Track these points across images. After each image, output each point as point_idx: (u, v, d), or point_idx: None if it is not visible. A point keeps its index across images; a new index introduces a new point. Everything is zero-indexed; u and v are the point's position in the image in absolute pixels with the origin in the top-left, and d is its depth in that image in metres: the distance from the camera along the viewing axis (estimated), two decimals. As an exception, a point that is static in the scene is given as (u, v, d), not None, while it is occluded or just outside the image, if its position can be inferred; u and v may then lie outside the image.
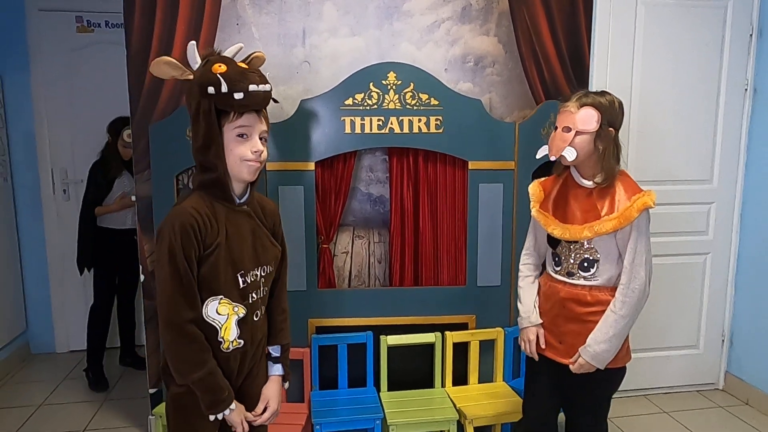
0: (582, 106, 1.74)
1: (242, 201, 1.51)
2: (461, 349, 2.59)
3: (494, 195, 2.55)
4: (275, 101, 1.54)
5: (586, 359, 1.78)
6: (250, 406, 1.58)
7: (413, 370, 2.61)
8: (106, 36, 3.60)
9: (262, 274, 1.55)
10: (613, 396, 3.09)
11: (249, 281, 1.51)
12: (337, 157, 2.54)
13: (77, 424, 2.87)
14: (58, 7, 3.56)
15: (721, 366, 3.22)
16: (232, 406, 1.47)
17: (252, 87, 1.40)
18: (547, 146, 1.83)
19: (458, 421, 2.36)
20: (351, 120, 2.46)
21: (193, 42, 1.48)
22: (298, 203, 2.48)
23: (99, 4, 3.58)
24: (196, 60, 1.45)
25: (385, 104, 2.46)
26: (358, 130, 2.47)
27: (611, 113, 1.76)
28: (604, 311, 1.78)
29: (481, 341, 2.59)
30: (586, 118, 1.73)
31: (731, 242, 3.12)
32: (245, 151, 1.44)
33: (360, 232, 2.74)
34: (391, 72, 2.46)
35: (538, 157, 1.87)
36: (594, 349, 1.76)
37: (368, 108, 2.46)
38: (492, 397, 2.48)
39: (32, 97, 3.59)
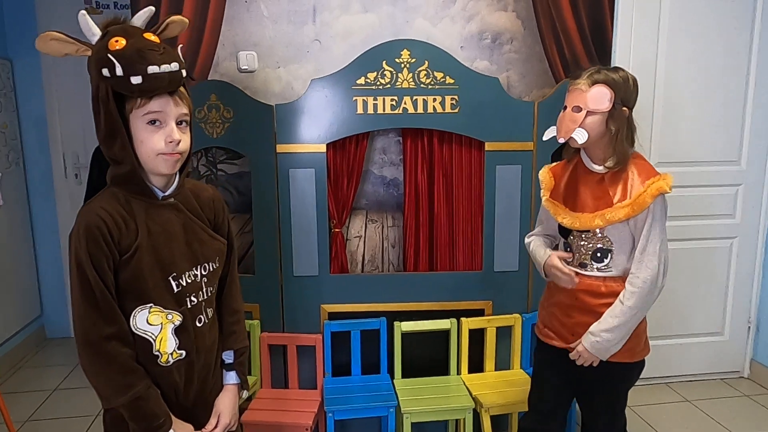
0: (593, 83, 1.61)
1: (167, 194, 1.31)
2: (477, 336, 2.52)
3: (512, 177, 2.45)
4: (191, 79, 1.36)
5: (586, 346, 1.68)
6: (205, 422, 1.43)
7: (428, 357, 2.55)
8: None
9: (203, 273, 1.36)
10: (635, 384, 3.03)
11: (185, 283, 1.31)
12: (349, 138, 2.46)
13: (93, 408, 2.86)
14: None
15: (746, 353, 3.12)
16: None
17: (152, 69, 1.17)
18: (554, 127, 1.70)
19: (474, 410, 2.30)
20: (363, 100, 2.38)
21: (84, 11, 1.21)
22: (309, 186, 2.41)
23: (107, -15, 3.53)
24: (92, 32, 1.21)
25: (398, 83, 2.38)
26: (370, 110, 2.39)
27: (625, 91, 1.63)
28: None
29: (497, 328, 2.52)
30: (598, 97, 1.61)
31: (759, 226, 3.00)
32: (158, 143, 1.22)
33: (373, 216, 2.67)
34: (405, 50, 2.37)
35: (545, 139, 1.75)
36: (595, 338, 1.66)
37: (381, 87, 2.38)
38: (509, 385, 2.41)
39: (43, 81, 3.57)
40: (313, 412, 2.28)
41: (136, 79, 1.17)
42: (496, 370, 2.54)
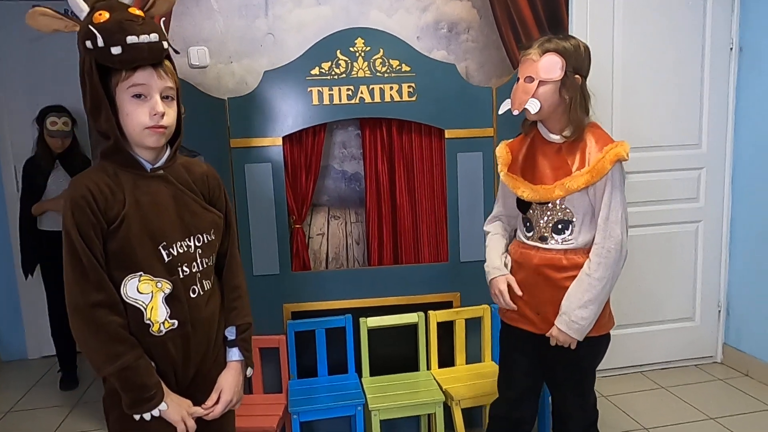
0: (544, 52, 1.58)
1: (157, 166, 1.32)
2: (447, 329, 2.45)
3: (473, 164, 2.41)
4: (176, 52, 1.35)
5: (562, 328, 1.62)
6: (205, 399, 1.39)
7: (397, 354, 2.46)
8: (65, 25, 3.46)
9: (197, 244, 1.36)
10: (609, 374, 2.98)
11: (176, 253, 1.32)
12: (306, 131, 2.40)
13: (45, 429, 2.71)
14: (14, -5, 3.41)
15: (718, 338, 3.11)
16: (162, 406, 1.27)
17: (131, 39, 1.19)
18: (509, 100, 1.67)
19: (445, 404, 2.22)
20: (318, 90, 2.32)
21: None
22: (265, 181, 2.33)
23: (57, -8, 3.43)
24: (80, 8, 1.24)
25: (353, 72, 2.33)
26: (326, 101, 2.33)
27: (577, 58, 1.60)
28: None
29: (466, 320, 2.46)
30: (549, 66, 1.57)
31: (723, 208, 3.01)
32: (143, 117, 1.24)
33: (336, 212, 2.60)
34: (359, 38, 2.32)
35: (500, 112, 1.72)
36: (569, 317, 1.61)
37: (336, 77, 2.32)
38: (480, 377, 2.34)
39: (-7, 95, 3.44)
40: (278, 416, 2.18)
41: (116, 50, 1.19)
42: (467, 363, 2.47)
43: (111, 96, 1.24)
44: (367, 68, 2.33)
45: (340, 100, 2.33)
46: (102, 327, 1.23)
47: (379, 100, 2.35)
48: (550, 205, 1.66)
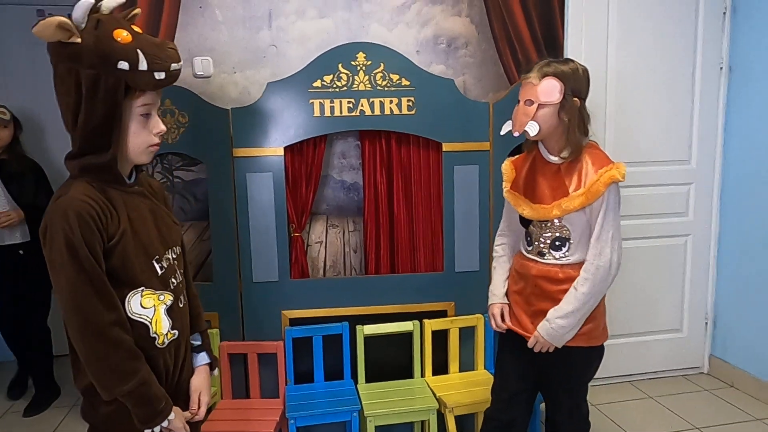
0: (543, 76, 1.64)
1: (132, 181, 1.33)
2: (441, 337, 2.51)
3: (470, 177, 2.48)
4: None
5: (541, 332, 1.71)
6: (184, 404, 1.42)
7: (392, 361, 2.52)
8: (69, 29, 3.49)
9: (173, 256, 1.39)
10: (599, 383, 3.05)
11: (166, 266, 1.35)
12: (307, 141, 2.45)
13: (43, 431, 2.74)
14: (18, 0, 3.44)
15: (705, 349, 3.18)
16: (171, 416, 1.29)
17: (174, 66, 1.23)
18: (510, 121, 1.73)
19: (438, 411, 2.28)
20: (320, 103, 2.38)
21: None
22: (267, 190, 2.39)
23: (60, -3, 3.47)
24: (82, 20, 1.17)
25: (354, 86, 2.39)
26: (327, 113, 2.39)
27: (575, 82, 1.66)
28: None
29: (460, 328, 2.51)
30: (548, 89, 1.63)
31: (712, 223, 3.08)
32: (149, 136, 1.27)
33: (334, 221, 2.65)
34: (360, 52, 2.38)
35: (502, 133, 1.78)
36: (550, 324, 1.69)
37: (337, 90, 2.38)
38: (473, 385, 2.40)
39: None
40: (275, 420, 2.23)
41: (159, 75, 1.21)
42: (460, 371, 2.53)
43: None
44: (367, 82, 2.39)
45: (341, 113, 2.39)
46: (119, 345, 1.22)
47: (379, 113, 2.41)
48: (549, 223, 1.73)
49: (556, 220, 1.71)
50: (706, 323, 3.16)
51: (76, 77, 1.18)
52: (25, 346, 3.07)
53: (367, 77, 2.39)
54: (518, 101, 1.71)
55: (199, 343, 1.50)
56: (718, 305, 3.13)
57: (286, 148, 2.40)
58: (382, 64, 2.39)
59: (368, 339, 2.42)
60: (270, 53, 2.53)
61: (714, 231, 3.09)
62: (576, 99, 1.67)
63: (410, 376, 2.49)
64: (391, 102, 2.40)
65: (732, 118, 2.99)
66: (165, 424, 1.28)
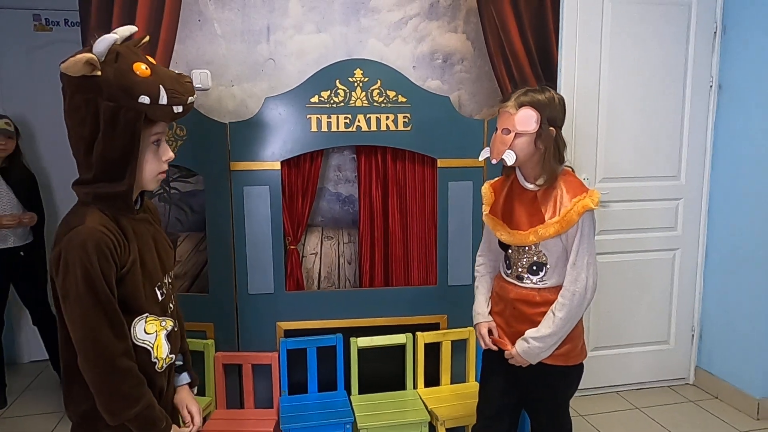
0: (520, 106, 1.67)
1: (139, 208, 1.36)
2: (433, 350, 2.55)
3: (464, 193, 2.52)
4: None
5: (518, 349, 1.77)
6: (172, 419, 1.43)
7: (384, 373, 2.56)
8: (65, 34, 3.49)
9: (169, 281, 1.43)
10: (586, 394, 3.10)
11: (165, 291, 1.38)
12: (304, 156, 2.48)
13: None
14: (13, 4, 3.43)
15: (691, 361, 3.25)
16: None
17: (190, 99, 1.29)
18: (488, 148, 1.77)
19: (430, 423, 2.32)
20: (317, 118, 2.41)
21: (115, 35, 1.22)
22: (263, 203, 2.41)
23: (57, 2, 3.46)
24: (103, 53, 1.20)
25: (352, 101, 2.42)
26: (324, 128, 2.42)
27: (551, 111, 1.69)
28: None
29: (452, 341, 2.56)
30: (525, 119, 1.66)
31: (699, 237, 3.15)
32: (160, 164, 1.32)
33: (329, 233, 2.68)
34: (358, 69, 2.42)
35: (480, 159, 1.82)
36: (526, 344, 1.75)
37: (335, 106, 2.41)
38: (464, 397, 2.44)
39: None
40: (269, 431, 2.26)
41: (177, 108, 1.26)
42: (451, 383, 2.57)
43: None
44: (364, 98, 2.42)
45: (338, 128, 2.42)
46: (127, 373, 1.25)
47: (375, 129, 2.44)
48: (526, 248, 1.77)
49: (533, 246, 1.75)
50: (693, 335, 3.23)
51: (94, 108, 1.20)
52: None
53: (364, 93, 2.42)
54: (496, 129, 1.74)
55: (181, 363, 1.53)
56: (704, 318, 3.20)
57: (282, 162, 2.43)
58: (379, 81, 2.43)
59: (361, 350, 2.46)
60: (268, 67, 2.55)
61: (701, 245, 3.16)
62: (552, 128, 1.70)
63: (402, 387, 2.53)
64: (387, 118, 2.44)
65: (720, 136, 3.05)
66: None
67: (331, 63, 2.44)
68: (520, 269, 1.79)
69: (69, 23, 3.52)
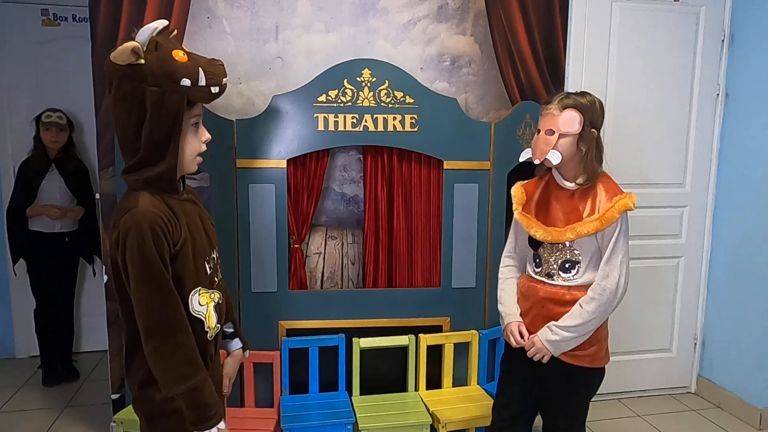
0: (564, 108, 1.72)
1: (183, 189, 1.45)
2: (435, 352, 2.54)
3: (470, 195, 2.51)
4: None
5: (540, 338, 1.77)
6: (216, 385, 1.50)
7: (386, 374, 2.55)
8: (73, 30, 3.50)
9: (216, 256, 1.53)
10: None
11: (212, 265, 1.48)
12: (310, 155, 2.48)
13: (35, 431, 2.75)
14: (22, -1, 3.45)
15: (693, 369, 3.23)
16: (221, 425, 1.37)
17: (224, 80, 1.37)
18: (530, 149, 1.81)
19: (432, 426, 2.30)
20: (324, 117, 2.41)
21: (156, 24, 1.29)
22: (268, 201, 2.41)
23: (65, -3, 3.48)
24: (145, 43, 1.28)
25: (359, 101, 2.42)
26: (331, 127, 2.41)
27: (593, 114, 1.75)
28: None
29: (455, 344, 2.55)
30: (569, 121, 1.71)
31: (703, 246, 3.14)
32: (199, 145, 1.40)
33: (333, 233, 2.68)
34: (366, 69, 2.42)
35: (521, 160, 1.85)
36: (551, 331, 1.75)
37: (342, 105, 2.41)
38: (466, 400, 2.43)
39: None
40: (269, 430, 2.25)
41: (215, 89, 1.35)
42: (453, 386, 2.56)
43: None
44: (372, 98, 2.42)
45: (344, 127, 2.42)
46: (181, 348, 1.33)
47: (382, 129, 2.44)
48: (560, 245, 1.78)
49: (567, 243, 1.77)
50: (695, 344, 3.21)
51: (141, 94, 1.28)
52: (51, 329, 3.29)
53: (371, 93, 2.42)
54: (538, 131, 1.78)
55: (232, 330, 1.65)
56: (707, 326, 3.18)
57: (288, 161, 2.42)
58: (386, 81, 2.43)
59: (363, 351, 2.45)
60: (276, 65, 2.55)
61: (706, 254, 3.14)
62: (593, 130, 1.75)
63: (404, 389, 2.52)
64: (394, 119, 2.44)
65: (726, 144, 3.04)
66: (213, 431, 1.37)
67: (339, 62, 2.44)
68: (551, 267, 1.80)
69: (77, 19, 3.52)
